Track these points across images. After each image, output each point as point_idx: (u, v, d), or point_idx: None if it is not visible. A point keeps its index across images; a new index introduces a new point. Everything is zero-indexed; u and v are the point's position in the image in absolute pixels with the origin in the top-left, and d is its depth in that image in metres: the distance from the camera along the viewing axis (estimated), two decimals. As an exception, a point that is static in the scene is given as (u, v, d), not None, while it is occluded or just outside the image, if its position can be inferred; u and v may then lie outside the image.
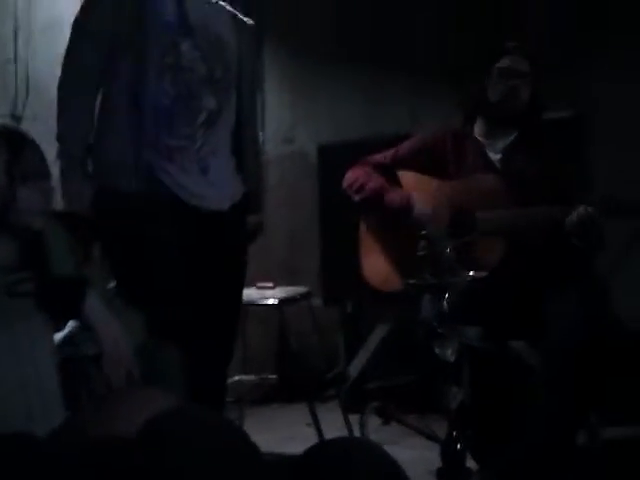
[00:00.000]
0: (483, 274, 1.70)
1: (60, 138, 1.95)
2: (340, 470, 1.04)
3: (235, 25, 2.13)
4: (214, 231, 2.01)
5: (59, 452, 1.15)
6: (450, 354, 1.64)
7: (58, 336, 1.54)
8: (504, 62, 2.40)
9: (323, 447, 1.16)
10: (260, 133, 4.01)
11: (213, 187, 2.00)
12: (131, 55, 1.92)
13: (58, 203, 1.77)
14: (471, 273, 1.67)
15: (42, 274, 1.48)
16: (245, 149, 2.11)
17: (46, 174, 1.62)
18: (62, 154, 1.93)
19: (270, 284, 3.05)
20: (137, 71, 1.91)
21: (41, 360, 1.38)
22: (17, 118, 3.04)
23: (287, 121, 4.12)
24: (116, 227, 1.94)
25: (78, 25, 1.97)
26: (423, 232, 1.69)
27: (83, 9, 1.98)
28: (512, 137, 2.41)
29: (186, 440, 0.99)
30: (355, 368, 3.43)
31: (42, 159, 1.62)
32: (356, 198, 2.47)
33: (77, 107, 1.95)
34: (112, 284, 1.87)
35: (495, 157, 2.40)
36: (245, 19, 2.18)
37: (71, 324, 1.57)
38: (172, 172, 1.94)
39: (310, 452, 1.10)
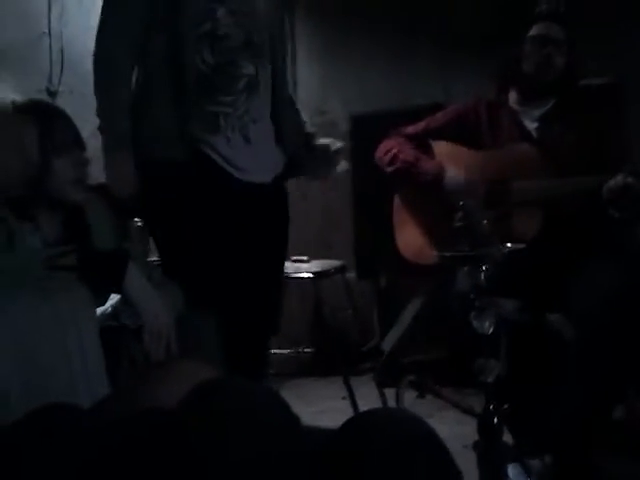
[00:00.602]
0: (520, 246, 1.67)
1: (102, 113, 1.92)
2: (380, 440, 1.05)
3: None
4: (258, 204, 2.01)
5: (102, 423, 1.16)
6: (487, 327, 1.63)
7: (99, 310, 1.56)
8: (536, 30, 2.35)
9: (362, 418, 1.16)
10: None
11: (257, 158, 1.99)
12: (168, 26, 1.90)
13: (96, 177, 1.77)
14: (508, 245, 1.65)
15: (84, 247, 1.50)
16: (283, 116, 2.09)
17: (80, 146, 1.63)
18: (105, 129, 1.91)
19: (305, 257, 3.06)
20: (175, 41, 1.90)
21: (84, 333, 1.40)
22: (52, 93, 3.05)
23: (318, 93, 4.09)
24: (161, 198, 1.92)
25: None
26: (460, 203, 1.67)
27: None
28: (548, 105, 2.37)
29: (227, 411, 1.00)
30: (389, 342, 3.42)
31: (75, 131, 1.63)
32: (389, 169, 2.45)
33: (117, 80, 1.92)
34: (152, 258, 1.89)
35: (531, 126, 2.37)
36: None
37: (112, 298, 1.59)
38: (217, 143, 1.94)
39: (349, 423, 1.11)
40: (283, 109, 2.09)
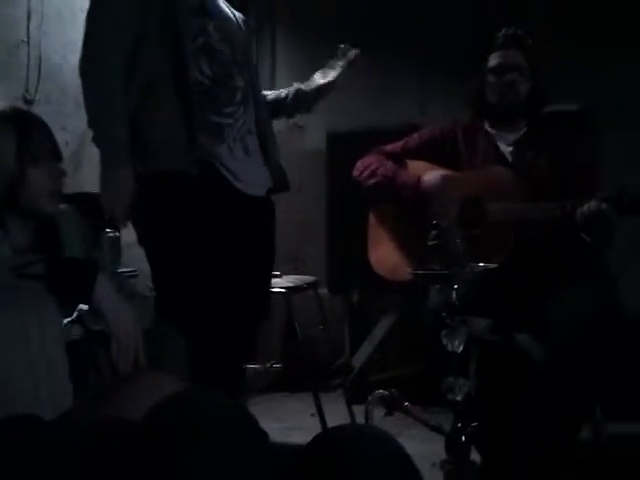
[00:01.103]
0: (492, 266, 1.69)
1: (98, 124, 1.88)
2: (349, 456, 1.04)
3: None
4: (256, 217, 2.04)
5: (65, 435, 1.14)
6: (458, 345, 1.63)
7: (66, 320, 1.54)
8: (494, 59, 2.36)
9: (331, 434, 1.15)
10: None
11: (255, 171, 2.03)
12: (167, 40, 1.92)
13: (68, 187, 1.75)
14: (480, 265, 1.66)
15: (53, 257, 1.48)
16: (265, 130, 2.13)
17: (57, 156, 1.61)
18: (100, 139, 1.88)
19: (277, 272, 3.05)
20: (177, 54, 1.91)
21: (50, 343, 1.38)
22: (29, 101, 3.02)
23: (296, 109, 4.11)
24: (171, 208, 1.92)
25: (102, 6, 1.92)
26: (434, 222, 1.68)
27: None
28: (522, 130, 2.40)
29: (194, 425, 0.99)
30: (360, 359, 3.43)
31: (52, 141, 1.61)
32: (368, 184, 2.47)
33: (114, 91, 1.88)
34: (122, 269, 1.87)
35: (506, 149, 2.39)
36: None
37: (80, 309, 1.57)
38: (222, 155, 1.96)
39: (319, 438, 1.10)
40: (263, 123, 2.13)
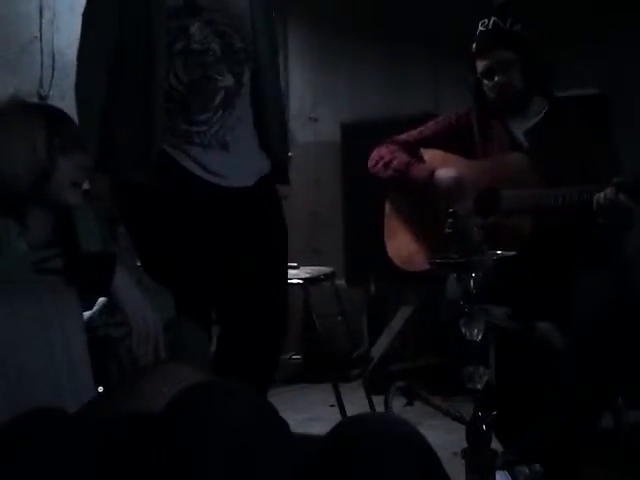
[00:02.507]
0: (510, 253, 1.67)
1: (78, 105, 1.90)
2: (370, 444, 1.04)
3: None
4: (241, 207, 1.99)
5: (88, 427, 1.15)
6: (477, 334, 1.62)
7: (86, 315, 1.55)
8: (479, 66, 2.33)
9: (352, 422, 1.15)
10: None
11: (236, 163, 1.98)
12: (140, 43, 1.89)
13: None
14: (498, 252, 1.65)
15: (71, 251, 1.49)
16: (267, 122, 2.07)
17: (84, 149, 1.63)
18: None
19: (294, 264, 3.05)
20: (146, 60, 1.88)
21: (71, 336, 1.38)
22: (43, 97, 3.04)
23: (309, 100, 4.11)
24: (139, 217, 1.92)
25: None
26: (450, 210, 1.67)
27: None
28: (539, 116, 2.38)
29: (215, 415, 0.99)
30: (378, 349, 3.43)
31: (79, 134, 1.63)
32: (382, 175, 2.46)
33: (93, 106, 1.91)
34: (139, 263, 1.88)
35: (521, 136, 2.37)
36: None
37: (99, 303, 1.58)
38: (192, 153, 1.93)
39: (340, 426, 1.10)
40: (266, 111, 2.08)
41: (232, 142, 1.97)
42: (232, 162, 1.97)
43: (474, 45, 2.36)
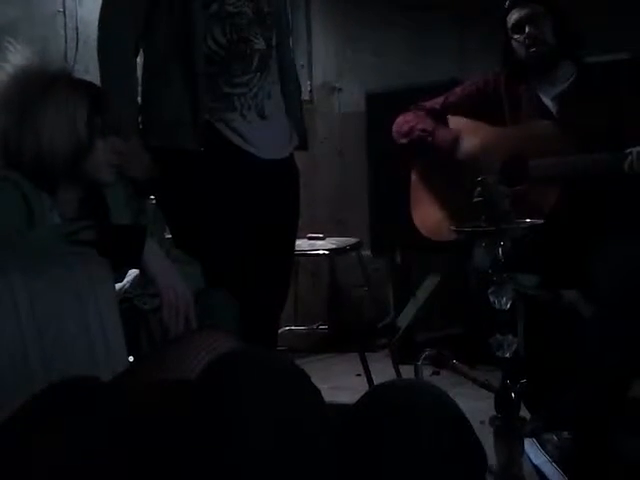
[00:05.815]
0: (539, 221, 1.66)
1: (110, 98, 1.83)
2: (403, 407, 1.05)
3: None
4: (276, 181, 2.00)
5: (121, 396, 1.17)
6: (505, 302, 1.62)
7: (118, 286, 1.57)
8: (512, 17, 2.32)
9: (385, 389, 1.16)
10: (308, 82, 3.98)
11: (273, 135, 1.98)
12: (175, 10, 1.87)
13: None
14: (527, 220, 1.64)
15: (102, 223, 1.50)
16: (290, 89, 2.07)
17: (123, 134, 1.65)
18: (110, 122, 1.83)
19: (320, 235, 3.05)
20: (186, 24, 1.87)
21: (104, 306, 1.40)
22: (68, 72, 3.04)
23: (333, 69, 4.08)
24: (180, 183, 1.91)
25: None
26: (479, 178, 1.66)
27: None
28: (568, 81, 2.34)
29: (249, 381, 1.00)
30: (404, 319, 3.43)
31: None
32: (405, 140, 2.45)
33: (126, 66, 1.88)
34: (168, 235, 1.89)
35: (550, 103, 2.34)
36: None
37: (131, 274, 1.59)
38: (234, 122, 1.92)
39: (371, 393, 1.11)
40: (289, 79, 2.08)
41: (269, 111, 1.98)
42: (271, 133, 1.98)
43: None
